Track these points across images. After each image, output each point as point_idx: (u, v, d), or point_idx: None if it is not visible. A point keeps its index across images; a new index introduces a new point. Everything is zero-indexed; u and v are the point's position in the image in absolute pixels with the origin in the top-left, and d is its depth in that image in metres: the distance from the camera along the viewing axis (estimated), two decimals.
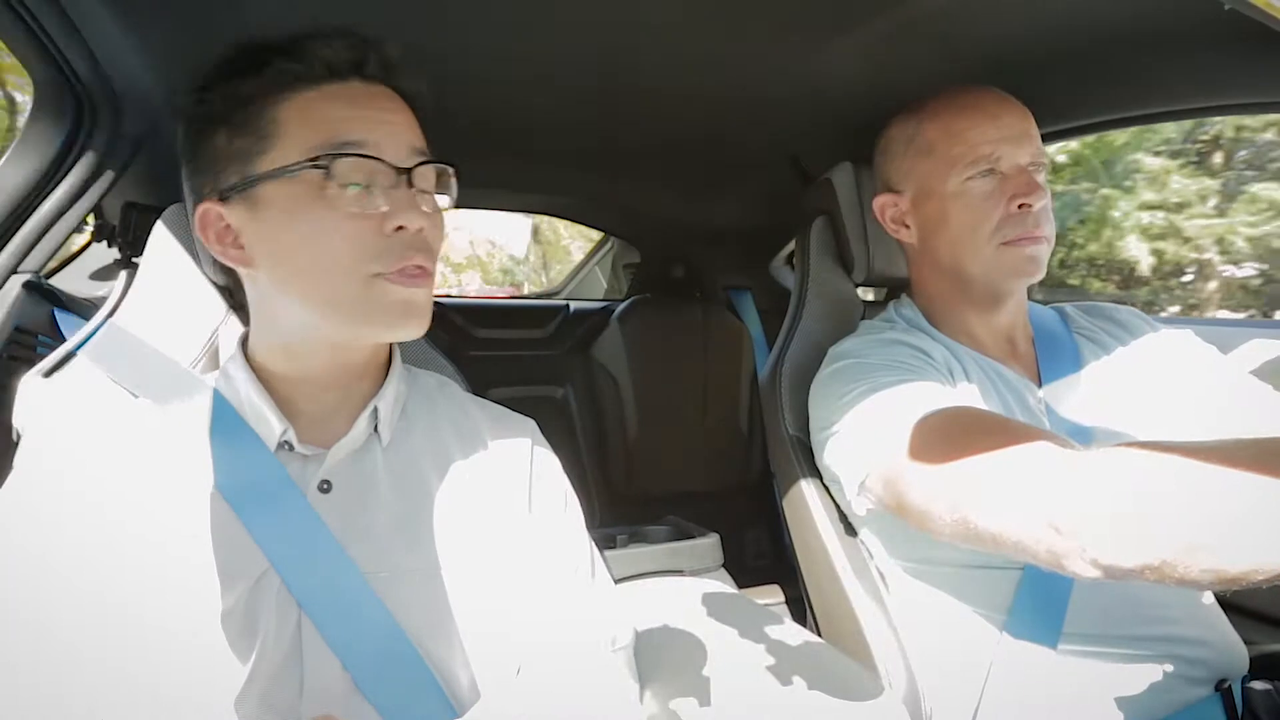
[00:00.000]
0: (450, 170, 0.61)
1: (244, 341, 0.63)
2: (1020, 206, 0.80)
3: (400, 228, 0.55)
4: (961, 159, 0.82)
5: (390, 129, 0.56)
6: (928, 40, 0.87)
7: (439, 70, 0.94)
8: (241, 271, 0.59)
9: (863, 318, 1.06)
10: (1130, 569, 0.52)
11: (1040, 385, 0.83)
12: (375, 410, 0.61)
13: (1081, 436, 0.78)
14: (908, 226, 0.90)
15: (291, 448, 0.58)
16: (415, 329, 0.58)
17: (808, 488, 0.93)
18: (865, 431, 0.74)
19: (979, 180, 0.81)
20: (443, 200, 0.60)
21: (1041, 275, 0.82)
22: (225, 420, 0.58)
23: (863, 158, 1.02)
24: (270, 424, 0.58)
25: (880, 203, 0.92)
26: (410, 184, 0.56)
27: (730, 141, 1.23)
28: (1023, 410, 0.80)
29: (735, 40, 0.86)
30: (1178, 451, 0.52)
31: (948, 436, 0.66)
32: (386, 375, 0.64)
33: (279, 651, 0.53)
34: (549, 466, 0.69)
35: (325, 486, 0.58)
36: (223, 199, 0.56)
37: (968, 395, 0.79)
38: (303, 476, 0.58)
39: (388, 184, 0.55)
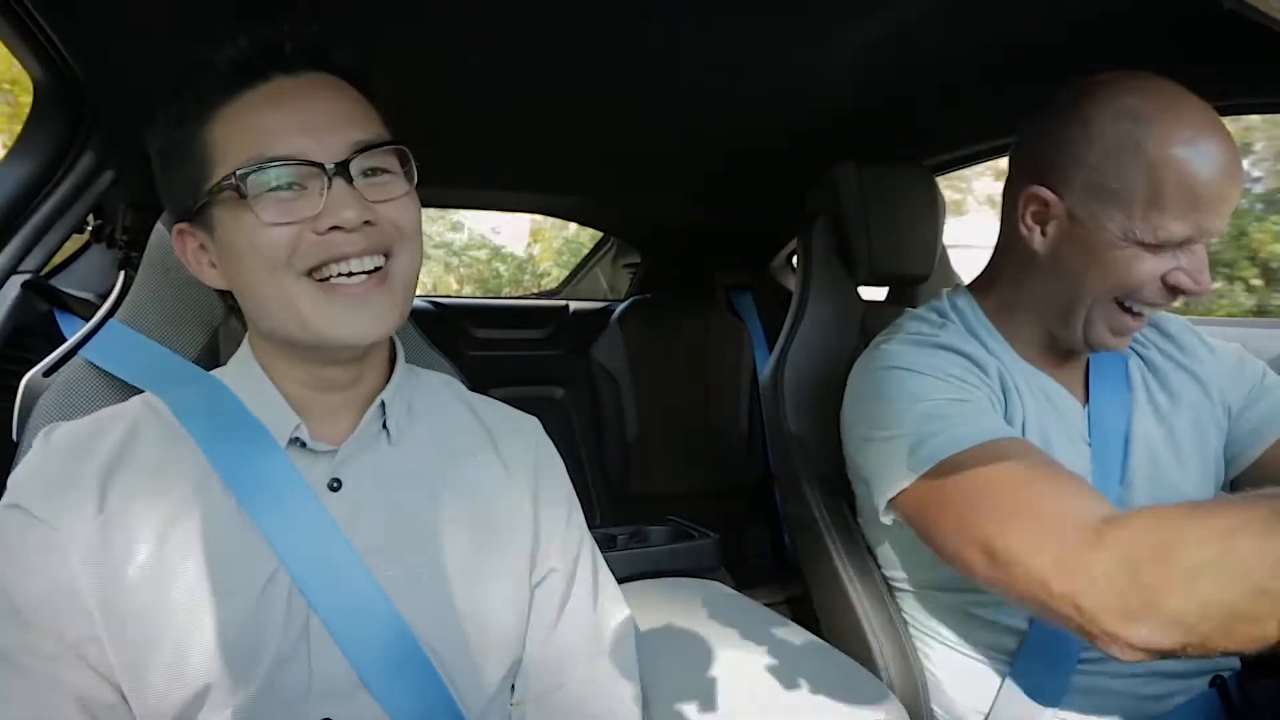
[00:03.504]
0: (406, 151, 0.58)
1: (250, 340, 0.63)
2: (1181, 285, 0.68)
3: (335, 227, 0.53)
4: (1172, 216, 0.65)
5: (320, 123, 0.54)
6: (927, 40, 0.87)
7: (439, 72, 0.95)
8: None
9: (863, 318, 1.06)
10: (1169, 648, 0.51)
11: (1088, 402, 0.81)
12: (382, 406, 0.61)
13: (1119, 457, 0.77)
14: (1041, 234, 0.75)
15: (303, 444, 0.58)
16: (377, 326, 0.55)
17: (809, 487, 0.93)
18: (908, 448, 0.70)
19: (1166, 249, 0.67)
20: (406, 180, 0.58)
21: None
22: (234, 416, 0.58)
23: (863, 157, 1.02)
24: (282, 419, 0.58)
25: (1030, 194, 0.74)
26: (348, 178, 0.53)
27: (731, 141, 1.23)
28: (1066, 433, 0.78)
29: (735, 40, 0.86)
30: (1211, 515, 0.50)
31: (984, 477, 0.63)
32: (390, 374, 0.64)
33: (287, 649, 0.53)
34: (554, 466, 0.69)
35: (335, 484, 0.58)
36: (190, 220, 0.57)
37: (1015, 414, 0.76)
38: (312, 474, 0.58)
39: (321, 184, 0.53)
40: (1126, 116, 0.67)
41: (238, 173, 0.52)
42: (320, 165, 0.53)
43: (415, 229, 0.58)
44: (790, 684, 0.68)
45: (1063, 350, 0.81)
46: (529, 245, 8.22)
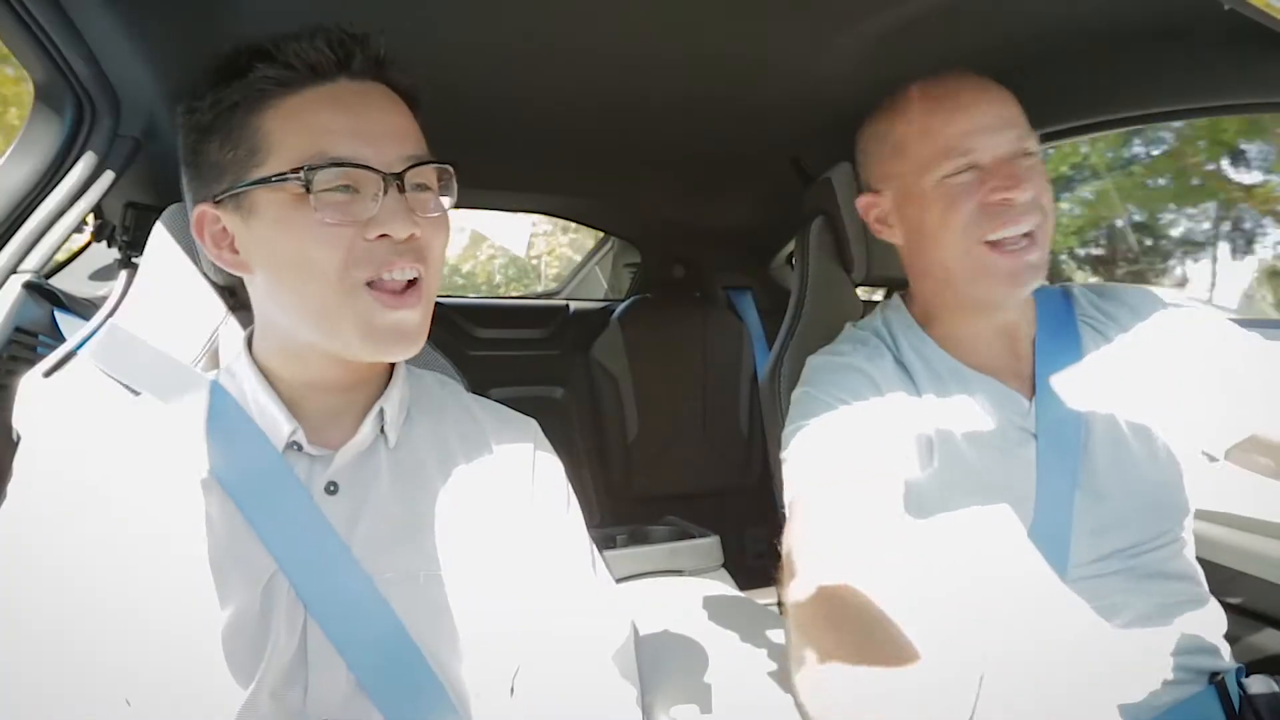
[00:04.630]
0: (449, 170, 0.59)
1: (249, 341, 0.63)
2: (1001, 201, 0.73)
3: (384, 235, 0.54)
4: (936, 156, 0.76)
5: (379, 131, 0.55)
6: (927, 40, 0.87)
7: (438, 71, 0.94)
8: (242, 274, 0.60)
9: (862, 318, 1.06)
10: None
11: (1035, 391, 0.79)
12: (381, 412, 0.61)
13: (1075, 442, 0.77)
14: (891, 227, 0.85)
15: (300, 448, 0.58)
16: (404, 351, 0.57)
17: None
18: (790, 470, 0.75)
19: (957, 176, 0.75)
20: (444, 201, 0.59)
21: (1035, 283, 0.76)
22: (232, 419, 0.58)
23: None
24: (278, 424, 0.58)
25: (863, 204, 0.87)
26: (402, 189, 0.54)
27: (730, 141, 1.23)
28: (1003, 429, 0.77)
29: (735, 40, 0.86)
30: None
31: (809, 522, 0.69)
32: (390, 377, 0.64)
33: (287, 654, 0.53)
34: (551, 468, 0.69)
35: (332, 488, 0.58)
36: (217, 202, 0.57)
37: (928, 420, 0.77)
38: (309, 477, 0.58)
39: (375, 190, 0.54)
40: (881, 112, 0.84)
41: (306, 168, 0.52)
42: (380, 172, 0.53)
43: (444, 248, 0.59)
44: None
45: (1003, 345, 0.82)
46: (472, 266, 8.44)
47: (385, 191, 0.54)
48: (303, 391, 0.60)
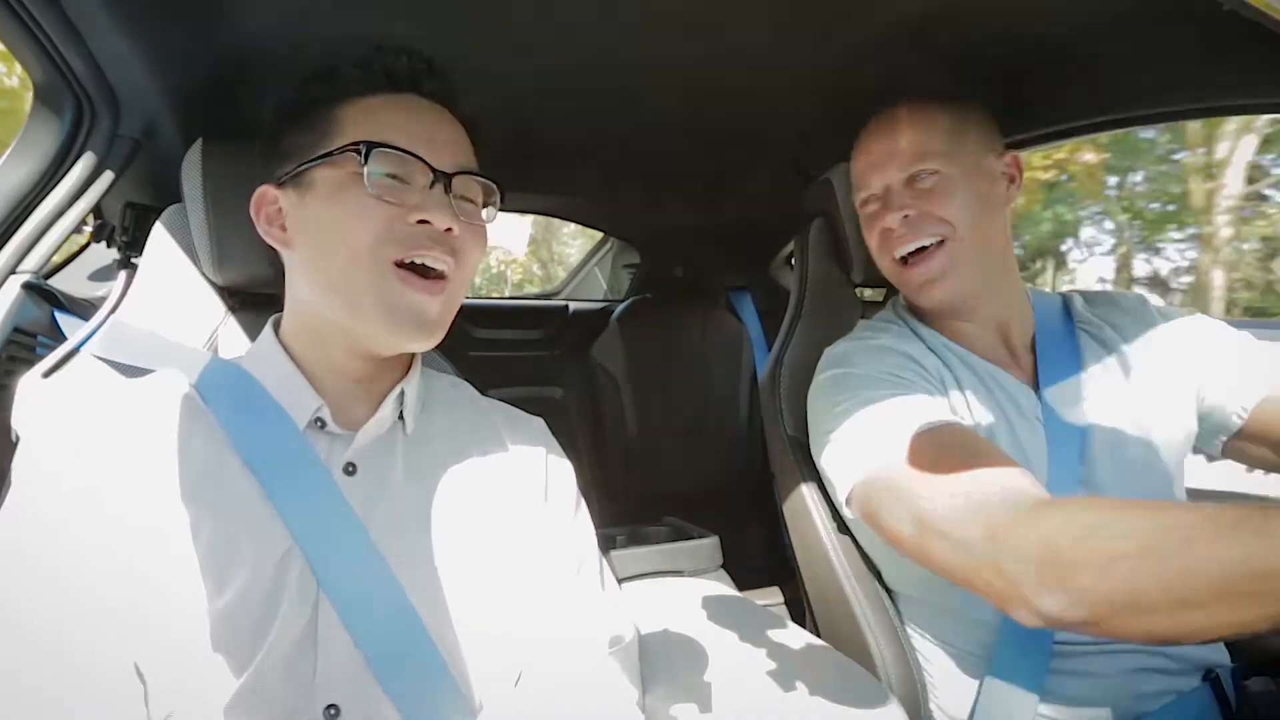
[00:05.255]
0: (495, 190, 0.64)
1: (276, 325, 0.65)
2: (884, 229, 0.84)
3: (424, 221, 0.58)
4: (855, 189, 0.90)
5: (438, 138, 0.61)
6: (927, 41, 0.87)
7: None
8: (282, 253, 0.63)
9: (861, 317, 1.06)
10: (1070, 621, 0.54)
11: (1039, 386, 0.82)
12: (401, 394, 0.63)
13: (1078, 437, 0.78)
14: None
15: (323, 425, 0.60)
16: (421, 339, 0.60)
17: (807, 488, 0.93)
18: (850, 444, 0.75)
19: (867, 206, 0.88)
20: (484, 214, 0.64)
21: (949, 287, 0.81)
22: (254, 396, 0.60)
23: None
24: (304, 400, 0.60)
25: None
26: (449, 189, 0.59)
27: (730, 142, 1.23)
28: (1018, 417, 0.79)
29: (736, 40, 0.86)
30: (1139, 512, 0.53)
31: (921, 461, 0.67)
32: (408, 370, 0.66)
33: (295, 630, 0.53)
34: (563, 468, 0.70)
35: (350, 469, 0.59)
36: (279, 184, 0.62)
37: (959, 405, 0.79)
38: (328, 457, 0.59)
39: (424, 182, 0.59)
40: None
41: (365, 142, 0.57)
42: (432, 167, 0.59)
43: (477, 258, 0.63)
44: (789, 686, 0.68)
45: (999, 341, 0.86)
46: None
47: (432, 186, 0.59)
48: (323, 375, 0.62)
